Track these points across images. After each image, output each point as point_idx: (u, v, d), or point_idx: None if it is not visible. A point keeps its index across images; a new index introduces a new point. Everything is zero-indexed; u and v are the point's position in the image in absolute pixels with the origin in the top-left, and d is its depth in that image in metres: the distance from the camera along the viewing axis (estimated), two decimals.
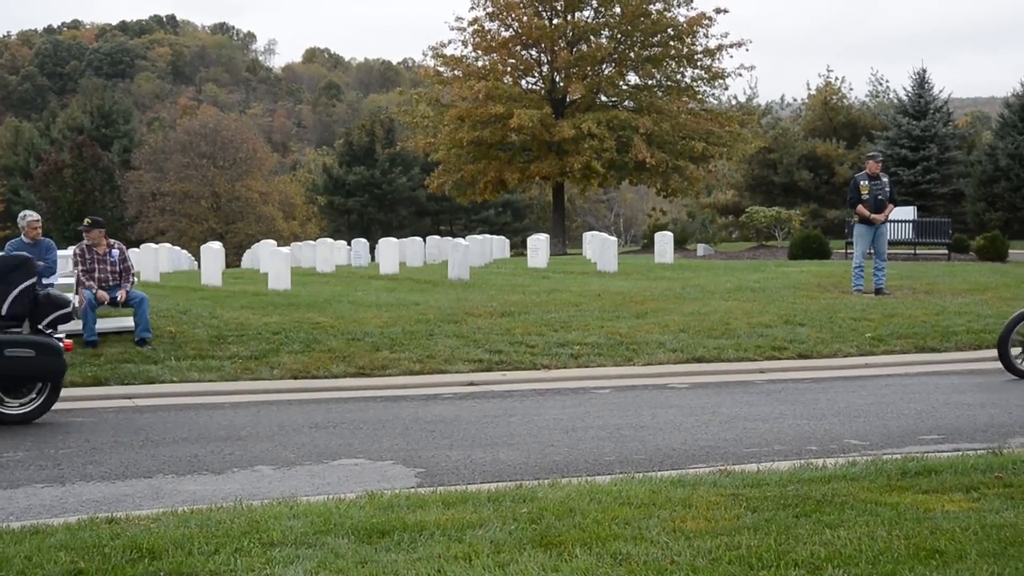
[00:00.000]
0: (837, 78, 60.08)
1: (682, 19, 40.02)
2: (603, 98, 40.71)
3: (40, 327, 9.52)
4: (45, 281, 12.66)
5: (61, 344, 9.53)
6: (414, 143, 44.77)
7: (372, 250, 32.11)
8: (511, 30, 40.55)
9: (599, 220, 76.18)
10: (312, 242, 35.19)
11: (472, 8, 41.20)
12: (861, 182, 17.64)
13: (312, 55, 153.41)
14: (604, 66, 40.32)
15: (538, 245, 26.42)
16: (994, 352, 13.18)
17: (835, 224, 42.82)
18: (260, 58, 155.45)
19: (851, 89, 71.97)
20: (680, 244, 37.27)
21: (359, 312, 15.33)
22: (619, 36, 40.33)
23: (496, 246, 33.81)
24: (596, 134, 36.81)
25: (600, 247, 25.06)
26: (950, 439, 8.28)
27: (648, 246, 39.38)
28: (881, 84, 57.08)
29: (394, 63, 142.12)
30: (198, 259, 27.67)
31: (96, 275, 12.79)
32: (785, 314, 15.16)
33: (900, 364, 12.73)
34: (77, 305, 10.99)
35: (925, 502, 5.84)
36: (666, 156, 38.53)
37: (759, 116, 51.36)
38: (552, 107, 39.00)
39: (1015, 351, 11.40)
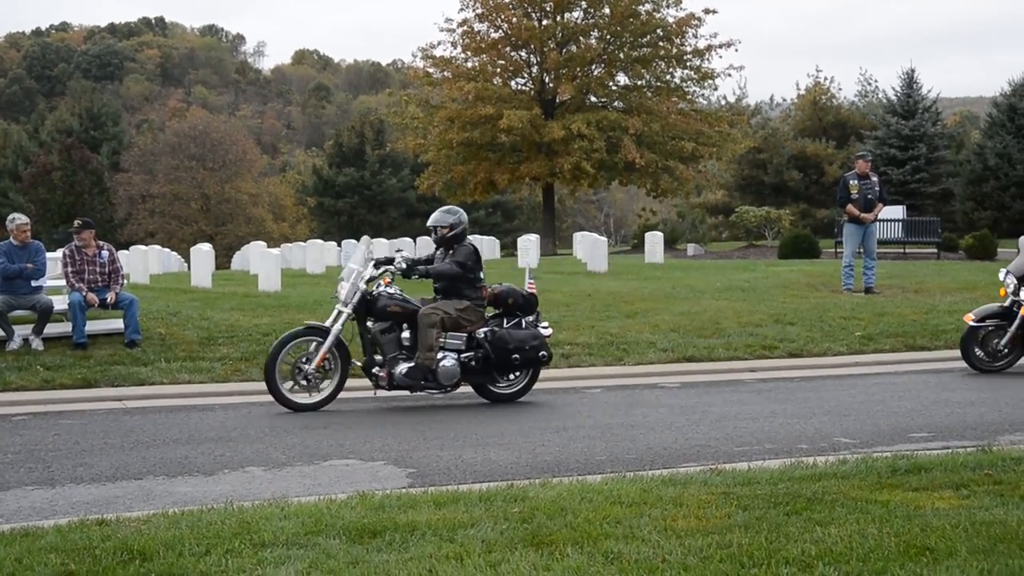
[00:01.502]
0: (826, 78, 60.23)
1: (671, 20, 40.02)
2: (593, 99, 40.70)
3: None
4: (34, 283, 12.67)
5: None
6: (404, 144, 44.71)
7: None
8: (500, 31, 40.53)
9: (589, 220, 76.16)
10: (302, 243, 35.15)
11: (461, 9, 41.18)
12: (851, 181, 17.67)
13: (301, 57, 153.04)
14: (594, 67, 40.32)
15: (528, 246, 26.41)
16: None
17: (825, 223, 42.88)
18: (249, 60, 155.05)
19: (840, 89, 71.94)
20: (670, 244, 37.28)
21: None
22: (608, 37, 40.34)
23: (486, 247, 33.80)
24: (586, 135, 36.81)
25: (590, 247, 25.08)
26: (940, 437, 8.31)
27: (638, 246, 39.41)
28: (870, 84, 57.18)
29: (383, 64, 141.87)
30: (188, 261, 27.61)
31: (85, 277, 12.74)
32: (775, 313, 15.19)
33: (890, 363, 12.77)
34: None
35: (915, 500, 5.86)
36: (656, 156, 38.54)
37: (748, 116, 51.37)
38: (542, 108, 38.99)
39: (288, 384, 10.00)
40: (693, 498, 5.93)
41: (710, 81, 41.11)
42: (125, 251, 26.95)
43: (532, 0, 40.11)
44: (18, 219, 13.02)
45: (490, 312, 10.69)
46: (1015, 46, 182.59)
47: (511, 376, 10.58)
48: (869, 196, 17.53)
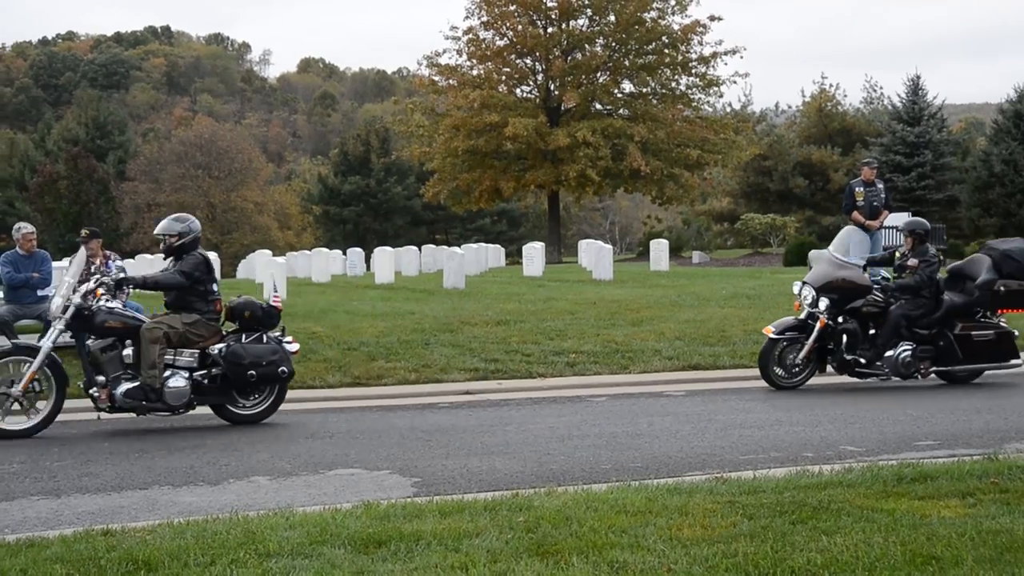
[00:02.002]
0: (831, 85, 60.15)
1: (676, 27, 40.14)
2: (598, 106, 40.78)
3: None
4: (40, 293, 12.68)
5: None
6: (409, 152, 44.85)
7: (368, 259, 32.14)
8: (506, 39, 40.65)
9: (594, 228, 76.22)
10: (308, 252, 35.19)
11: (467, 17, 41.45)
12: (856, 188, 17.62)
13: (307, 65, 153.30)
14: (599, 74, 40.40)
15: (533, 254, 26.44)
16: None
17: (830, 231, 42.82)
18: (255, 68, 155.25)
19: (845, 96, 72.08)
20: (675, 252, 37.33)
21: (355, 322, 15.32)
22: (614, 44, 40.43)
23: (492, 255, 33.82)
24: (591, 142, 36.87)
25: (596, 255, 25.07)
26: (946, 445, 8.28)
27: (644, 254, 39.42)
28: (875, 91, 57.12)
29: (389, 73, 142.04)
30: None
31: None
32: None
33: None
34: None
35: (921, 508, 5.84)
36: (661, 164, 38.59)
37: (754, 123, 51.43)
38: (547, 115, 39.06)
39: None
40: (699, 507, 5.92)
41: (715, 88, 41.22)
42: (131, 260, 26.99)
43: (537, 8, 40.20)
44: (24, 228, 13.04)
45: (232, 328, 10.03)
46: (1021, 53, 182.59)
47: (254, 395, 9.85)
48: (875, 203, 17.48)
